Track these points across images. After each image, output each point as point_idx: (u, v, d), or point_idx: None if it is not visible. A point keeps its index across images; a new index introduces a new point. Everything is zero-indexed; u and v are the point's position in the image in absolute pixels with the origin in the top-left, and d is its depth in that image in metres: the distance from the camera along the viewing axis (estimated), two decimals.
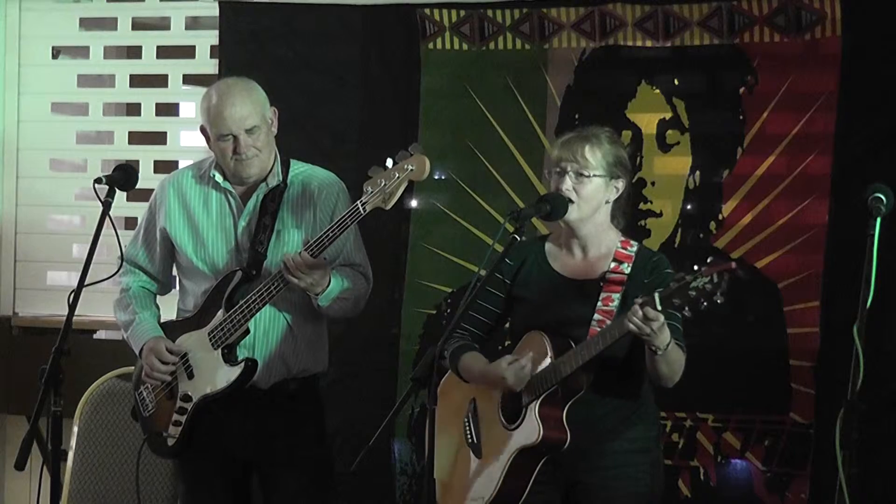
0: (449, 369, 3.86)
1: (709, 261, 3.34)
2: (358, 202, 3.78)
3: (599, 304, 3.67)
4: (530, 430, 3.64)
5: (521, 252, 3.85)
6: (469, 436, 3.82)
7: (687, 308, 3.35)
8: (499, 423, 3.74)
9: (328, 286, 3.87)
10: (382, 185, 3.73)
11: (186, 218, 4.09)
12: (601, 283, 3.69)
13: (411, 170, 3.72)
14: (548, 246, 3.85)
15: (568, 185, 3.70)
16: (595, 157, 3.70)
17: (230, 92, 3.99)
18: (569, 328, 3.66)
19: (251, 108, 3.96)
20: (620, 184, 3.75)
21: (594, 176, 3.70)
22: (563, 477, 3.72)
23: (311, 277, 3.83)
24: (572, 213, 3.71)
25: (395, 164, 3.74)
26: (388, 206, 3.75)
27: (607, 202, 3.75)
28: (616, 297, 3.67)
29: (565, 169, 3.71)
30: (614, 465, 3.69)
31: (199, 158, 4.31)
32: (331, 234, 3.80)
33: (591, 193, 3.70)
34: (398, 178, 3.72)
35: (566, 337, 3.65)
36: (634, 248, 3.75)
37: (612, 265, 3.71)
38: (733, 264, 3.31)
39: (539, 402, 3.64)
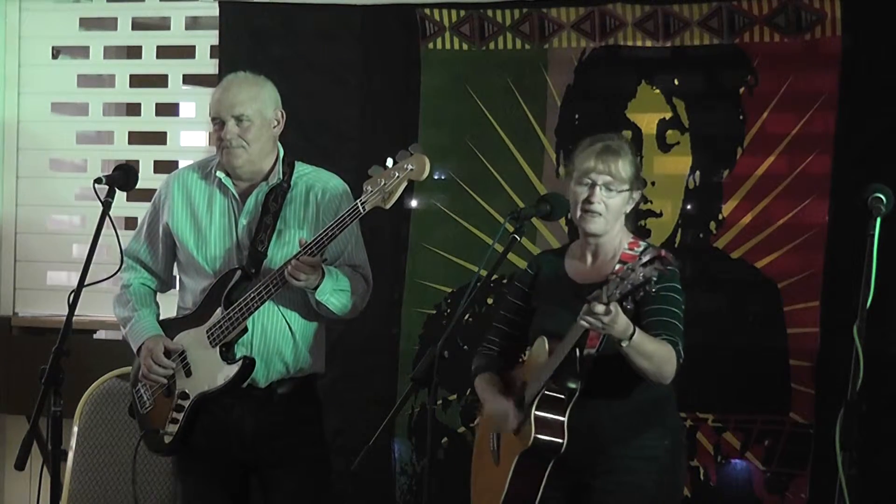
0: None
1: (645, 249, 3.39)
2: (357, 201, 3.79)
3: None
4: (526, 433, 3.65)
5: (539, 261, 3.90)
6: (492, 443, 3.85)
7: (629, 299, 3.38)
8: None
9: (321, 282, 3.88)
10: (382, 184, 3.75)
11: (190, 215, 4.09)
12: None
13: (411, 169, 3.73)
14: (567, 254, 3.87)
15: (598, 197, 3.70)
16: (627, 171, 3.72)
17: (235, 80, 4.03)
18: None
19: (245, 97, 3.97)
20: (637, 195, 3.78)
21: (622, 191, 3.71)
22: (571, 480, 3.72)
23: (310, 276, 3.84)
24: (599, 226, 3.72)
25: (395, 163, 3.76)
26: (388, 206, 3.77)
27: (626, 213, 3.77)
28: None
29: (595, 181, 3.71)
30: (619, 471, 3.68)
31: (198, 158, 4.31)
32: (330, 233, 3.81)
33: (618, 207, 3.73)
34: (398, 177, 3.74)
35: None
36: (640, 249, 3.76)
37: (617, 267, 3.72)
38: (663, 251, 3.34)
39: (535, 406, 3.64)
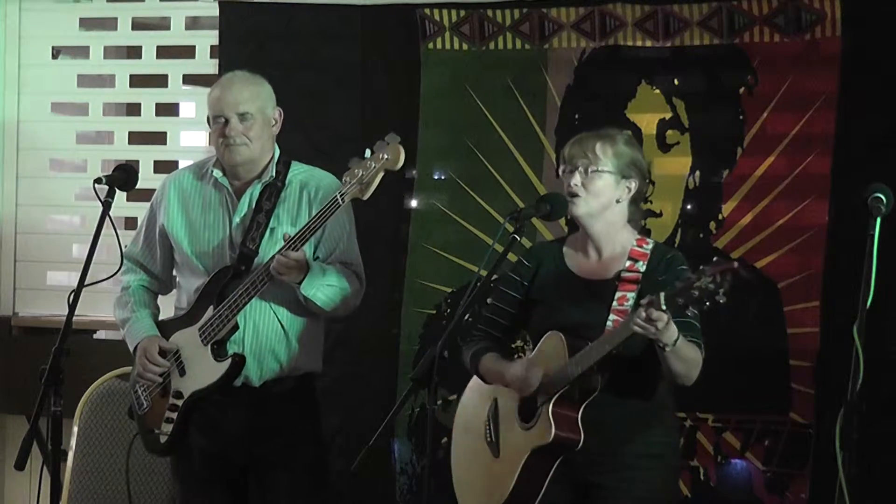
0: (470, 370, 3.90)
1: (714, 261, 3.35)
2: (336, 193, 3.80)
3: (615, 304, 3.67)
4: (543, 429, 3.64)
5: (538, 254, 3.88)
6: (488, 435, 3.83)
7: (690, 308, 3.38)
8: (516, 422, 3.75)
9: (305, 275, 3.87)
10: (360, 175, 3.78)
11: (185, 215, 4.11)
12: (616, 283, 3.70)
13: (387, 159, 3.77)
14: (566, 248, 3.86)
15: (577, 180, 3.72)
16: (606, 153, 3.71)
17: (234, 79, 4.07)
18: (585, 329, 3.66)
19: (248, 95, 4.00)
20: (633, 184, 3.76)
21: (603, 171, 3.71)
22: (577, 478, 3.72)
23: (292, 270, 3.85)
24: (580, 208, 3.72)
25: (372, 153, 3.78)
26: (365, 196, 3.80)
27: (619, 201, 3.76)
28: (631, 296, 3.67)
29: (576, 165, 3.73)
30: (627, 467, 3.68)
31: (198, 158, 4.32)
32: (312, 226, 3.82)
33: (600, 189, 3.71)
34: (374, 167, 3.77)
35: (583, 338, 3.64)
36: (650, 246, 3.76)
37: (628, 264, 3.72)
38: (735, 264, 3.33)
39: (553, 402, 3.64)
